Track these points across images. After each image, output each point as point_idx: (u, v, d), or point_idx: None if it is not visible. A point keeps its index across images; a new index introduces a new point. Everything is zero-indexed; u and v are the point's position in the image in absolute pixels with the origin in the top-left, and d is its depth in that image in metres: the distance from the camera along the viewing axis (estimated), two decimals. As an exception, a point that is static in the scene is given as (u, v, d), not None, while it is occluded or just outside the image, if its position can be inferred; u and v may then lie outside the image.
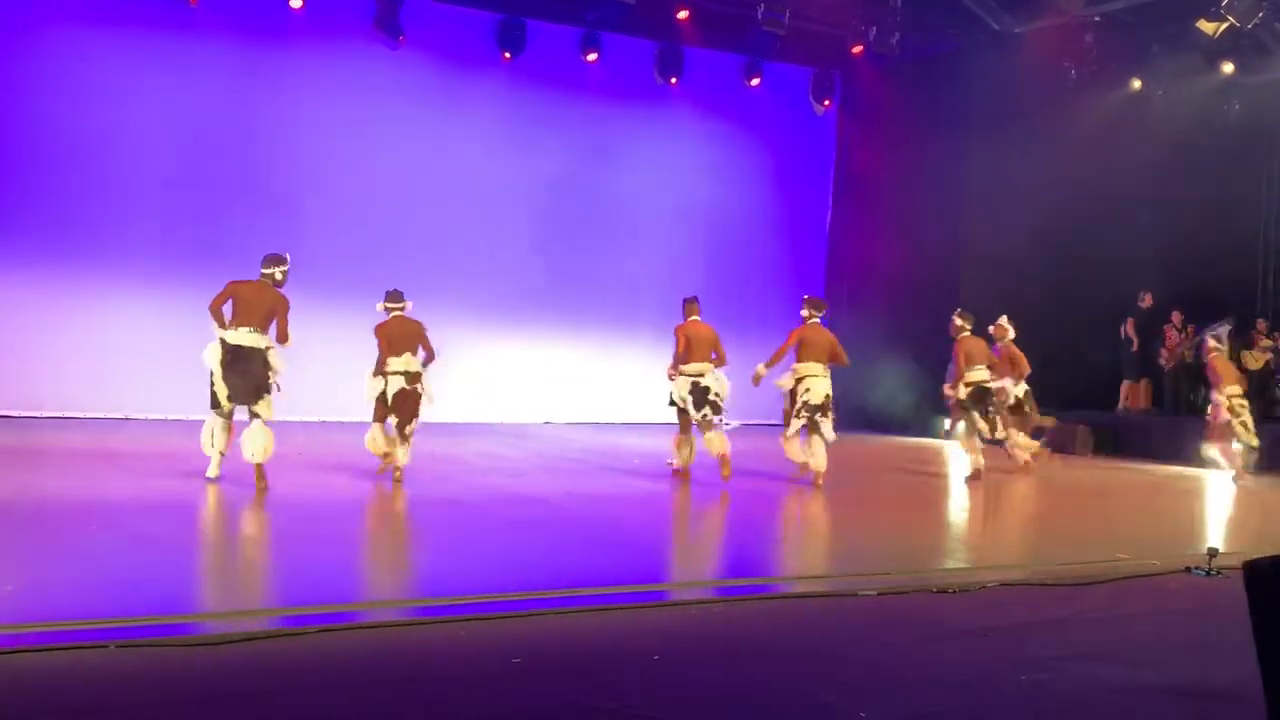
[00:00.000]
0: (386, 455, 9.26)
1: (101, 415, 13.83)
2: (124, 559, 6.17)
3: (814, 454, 10.14)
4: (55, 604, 4.93)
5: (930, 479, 12.15)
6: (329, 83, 15.48)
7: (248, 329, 8.43)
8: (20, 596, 5.00)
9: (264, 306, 8.55)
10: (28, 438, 11.81)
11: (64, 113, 14.06)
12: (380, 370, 9.22)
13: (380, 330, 9.36)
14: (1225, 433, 12.30)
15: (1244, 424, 12.26)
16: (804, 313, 10.60)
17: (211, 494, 8.82)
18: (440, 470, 10.59)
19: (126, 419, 13.53)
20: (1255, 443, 12.48)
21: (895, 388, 17.08)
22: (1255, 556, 3.94)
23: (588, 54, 16.82)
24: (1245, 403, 12.44)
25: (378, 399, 9.22)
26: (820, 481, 10.12)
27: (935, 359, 16.86)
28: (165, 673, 4.02)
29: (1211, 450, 12.58)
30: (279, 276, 8.75)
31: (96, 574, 5.56)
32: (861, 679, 4.32)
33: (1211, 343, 12.68)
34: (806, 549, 7.92)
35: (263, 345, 8.53)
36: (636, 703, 3.88)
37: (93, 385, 14.06)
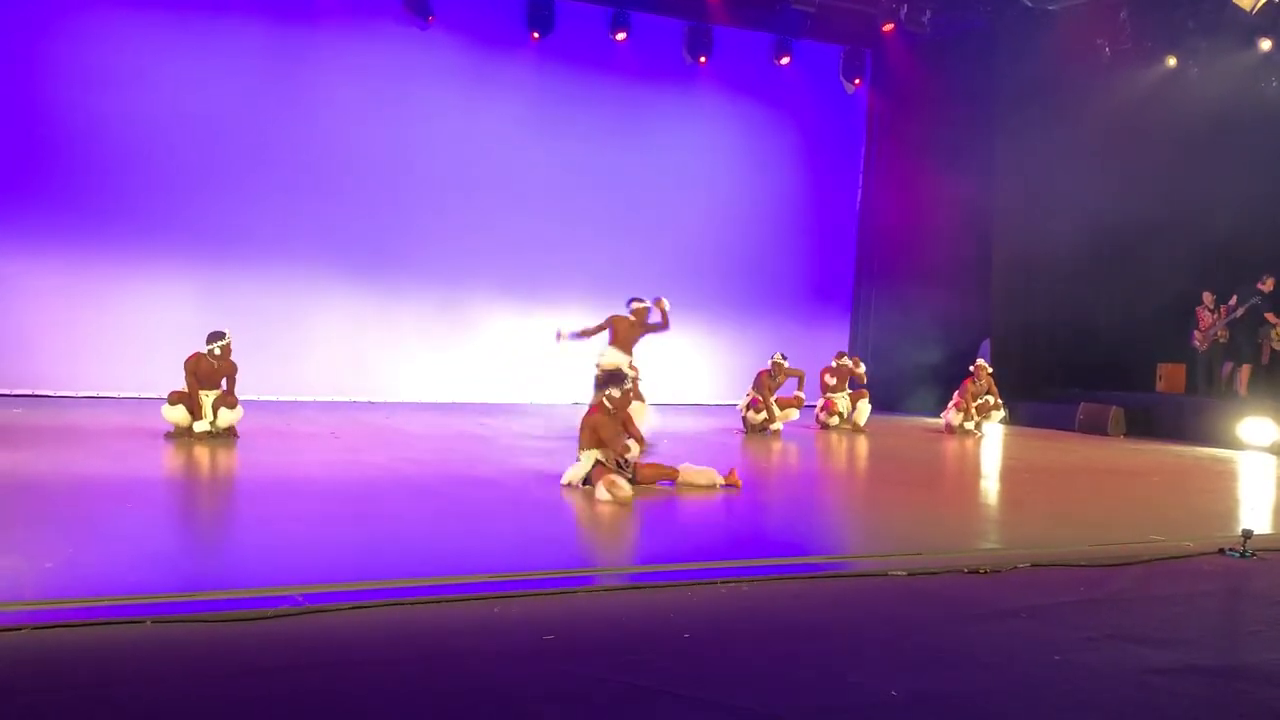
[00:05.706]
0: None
1: (137, 395, 14.00)
2: (160, 535, 6.25)
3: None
4: (93, 580, 5.00)
5: (957, 459, 12.10)
6: (359, 64, 15.54)
7: None
8: (59, 572, 5.07)
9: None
10: (65, 416, 11.97)
11: (98, 98, 14.19)
12: None
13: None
14: None
15: None
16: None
17: (245, 472, 8.92)
18: (473, 450, 10.66)
19: (162, 398, 13.70)
20: None
21: (924, 368, 17.01)
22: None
23: (617, 33, 16.78)
24: None
25: None
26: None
27: (965, 340, 16.80)
28: (200, 648, 4.07)
29: None
30: None
31: (133, 550, 5.63)
32: (892, 659, 4.32)
33: None
34: (836, 529, 7.91)
35: None
36: (666, 681, 3.90)
37: (130, 365, 14.24)
